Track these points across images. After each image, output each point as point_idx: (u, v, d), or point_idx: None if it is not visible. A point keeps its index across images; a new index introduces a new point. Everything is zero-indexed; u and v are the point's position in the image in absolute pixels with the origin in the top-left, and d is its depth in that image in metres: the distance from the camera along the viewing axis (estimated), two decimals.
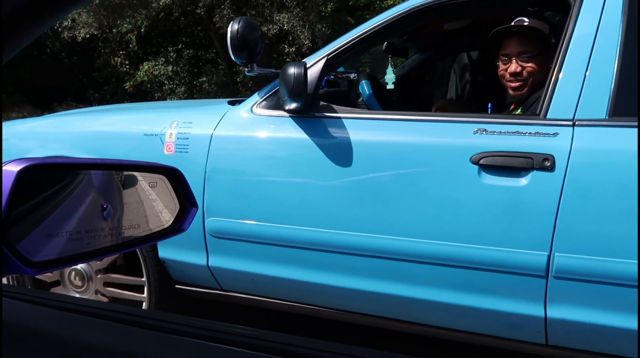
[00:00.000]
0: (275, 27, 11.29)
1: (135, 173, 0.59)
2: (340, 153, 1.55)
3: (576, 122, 1.39)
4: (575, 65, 1.43)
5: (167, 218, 0.61)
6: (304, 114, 1.60)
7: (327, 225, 1.57)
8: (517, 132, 1.43)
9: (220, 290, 1.79)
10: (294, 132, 1.59)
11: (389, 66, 2.16)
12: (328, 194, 1.58)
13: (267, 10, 11.38)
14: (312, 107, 1.60)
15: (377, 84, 2.06)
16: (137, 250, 1.74)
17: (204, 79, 11.14)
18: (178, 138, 1.66)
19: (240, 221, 1.65)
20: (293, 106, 1.54)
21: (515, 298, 1.44)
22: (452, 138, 1.48)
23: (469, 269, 1.47)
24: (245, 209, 1.66)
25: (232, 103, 1.78)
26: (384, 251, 1.53)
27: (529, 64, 1.63)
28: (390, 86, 2.20)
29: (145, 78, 10.65)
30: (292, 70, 1.45)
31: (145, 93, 10.77)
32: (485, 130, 1.45)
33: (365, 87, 1.84)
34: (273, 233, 1.63)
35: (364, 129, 1.58)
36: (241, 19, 1.54)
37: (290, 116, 1.61)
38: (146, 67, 10.64)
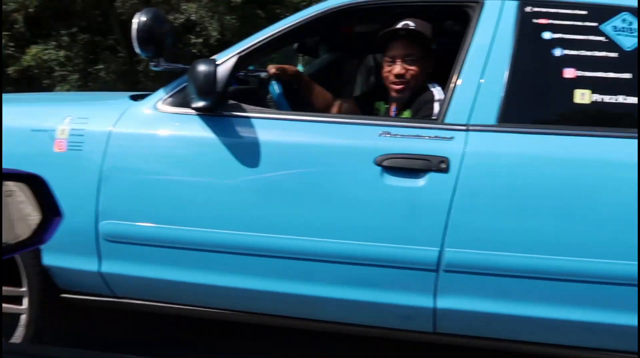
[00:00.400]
0: (182, 16, 10.86)
1: None
2: (247, 152, 1.53)
3: (469, 127, 1.49)
4: (471, 73, 1.54)
5: (25, 229, 0.56)
6: (212, 113, 1.56)
7: (231, 226, 1.55)
8: (418, 136, 1.50)
9: (113, 297, 1.68)
10: (201, 131, 1.54)
11: (299, 64, 2.17)
12: (233, 195, 1.55)
13: None
14: (221, 105, 1.56)
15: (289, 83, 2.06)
16: (15, 257, 1.58)
17: (101, 66, 10.40)
18: (71, 135, 1.53)
19: (140, 223, 1.57)
20: (201, 104, 1.49)
21: (409, 292, 1.52)
22: (358, 139, 1.53)
23: (369, 266, 1.52)
24: (145, 211, 1.58)
25: (134, 98, 1.68)
26: (288, 251, 1.54)
27: (412, 67, 1.70)
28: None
29: (33, 63, 9.70)
30: (202, 67, 1.40)
31: (31, 80, 9.82)
32: (389, 133, 1.51)
33: (275, 87, 1.83)
34: (175, 236, 1.56)
35: (272, 129, 1.57)
36: (149, 11, 1.46)
37: (197, 114, 1.56)
38: (34, 51, 9.69)
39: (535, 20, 1.58)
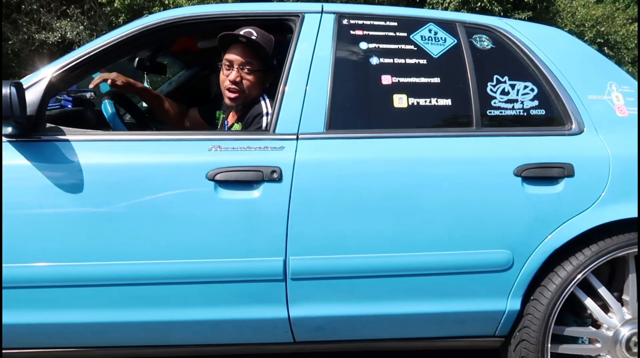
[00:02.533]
0: (56, 34, 10.21)
1: None
2: (72, 177, 1.44)
3: (299, 136, 1.53)
4: (297, 84, 1.58)
5: None
6: (27, 139, 1.45)
7: (63, 258, 1.45)
8: (249, 147, 1.51)
9: None
10: (14, 159, 1.43)
11: (145, 82, 2.10)
12: (60, 225, 1.45)
13: (44, 17, 10.22)
14: (37, 130, 1.47)
15: (128, 102, 1.99)
16: None
17: None
18: None
19: None
20: (7, 130, 1.38)
21: (261, 304, 1.51)
22: (188, 155, 1.50)
23: (215, 283, 1.50)
24: None
25: None
26: (129, 277, 1.47)
27: (250, 77, 1.73)
28: (145, 105, 2.14)
29: None
30: None
31: None
32: (219, 147, 1.50)
33: (107, 107, 1.76)
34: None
35: (98, 151, 1.50)
36: None
37: (8, 141, 1.44)
38: None
39: (352, 32, 1.67)
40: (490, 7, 11.62)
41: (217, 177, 1.46)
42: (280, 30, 1.83)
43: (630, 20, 14.45)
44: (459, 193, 1.51)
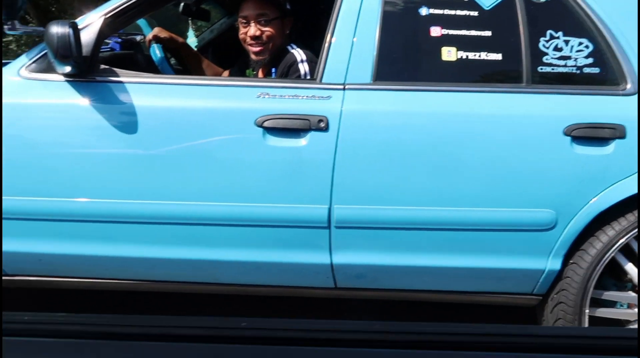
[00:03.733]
0: None
1: None
2: (126, 119, 1.49)
3: (346, 86, 1.54)
4: (344, 33, 1.57)
5: None
6: (83, 79, 1.49)
7: (117, 195, 1.52)
8: (296, 96, 1.53)
9: (4, 275, 1.62)
10: (72, 98, 1.48)
11: (190, 29, 2.11)
12: (115, 163, 1.52)
13: None
14: (91, 70, 1.50)
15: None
16: None
17: (10, 38, 9.55)
18: None
19: (19, 198, 1.50)
20: (65, 69, 1.42)
21: (305, 250, 1.57)
22: (237, 101, 1.53)
23: (261, 227, 1.56)
24: (24, 185, 1.51)
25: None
26: (178, 217, 1.54)
27: (267, 28, 1.72)
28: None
29: None
30: (55, 30, 1.33)
31: None
32: (268, 94, 1.52)
33: (156, 51, 1.78)
34: (57, 209, 1.52)
35: (150, 94, 1.53)
36: None
37: (66, 81, 1.49)
38: None
39: None
40: None
41: (266, 124, 1.48)
42: None
43: None
44: (506, 149, 1.51)
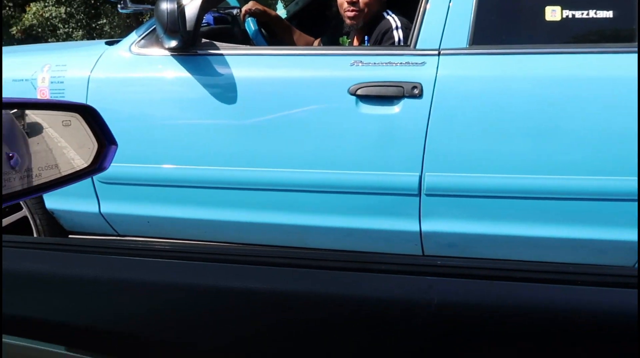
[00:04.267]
0: None
1: (46, 112, 0.57)
2: (225, 90, 1.57)
3: (441, 52, 1.50)
4: (440, 4, 1.52)
5: (85, 157, 0.59)
6: (186, 52, 1.58)
7: (218, 163, 1.61)
8: (390, 63, 1.52)
9: (116, 236, 1.80)
10: (176, 71, 1.58)
11: (278, 1, 2.15)
12: (216, 132, 1.61)
13: None
14: (194, 44, 1.59)
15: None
16: (22, 204, 1.68)
17: (104, 21, 10.26)
18: (52, 82, 1.59)
19: (129, 165, 1.64)
20: (172, 43, 1.51)
21: (394, 217, 1.58)
22: (331, 70, 1.55)
23: (352, 194, 1.58)
24: (133, 152, 1.64)
25: (109, 44, 1.72)
26: (273, 183, 1.60)
27: None
28: None
29: (35, 21, 9.63)
30: (165, 6, 1.42)
31: (37, 38, 9.79)
32: (361, 62, 1.52)
33: (250, 24, 1.84)
34: (164, 175, 1.64)
35: (247, 65, 1.60)
36: None
37: (171, 55, 1.59)
38: (34, 9, 9.60)
39: None
40: None
41: (359, 92, 1.49)
42: None
43: None
44: (612, 115, 1.40)
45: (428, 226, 1.57)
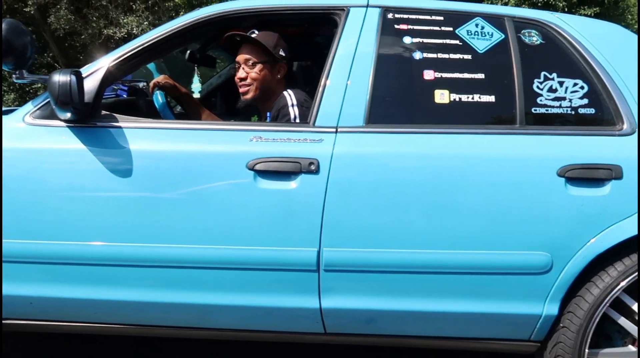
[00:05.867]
0: (122, 30, 10.69)
1: None
2: (124, 163, 1.53)
3: (338, 129, 1.56)
4: (338, 77, 1.60)
5: None
6: (84, 124, 1.56)
7: (112, 238, 1.54)
8: (289, 139, 1.55)
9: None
10: (72, 143, 1.54)
11: (195, 75, 2.19)
12: (112, 207, 1.54)
13: (112, 13, 10.72)
14: (93, 116, 1.57)
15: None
16: None
17: (39, 85, 10.09)
18: None
19: (11, 240, 1.54)
20: (67, 115, 1.48)
21: (294, 294, 1.55)
22: (230, 145, 1.56)
23: (252, 270, 1.55)
24: (19, 227, 1.54)
25: (7, 112, 1.66)
26: (171, 260, 1.54)
27: (254, 70, 1.84)
28: (196, 95, 2.23)
29: None
30: (57, 78, 1.40)
31: None
32: (260, 137, 1.55)
33: (159, 97, 1.85)
34: (51, 251, 1.54)
35: (148, 138, 1.58)
36: (5, 22, 1.45)
37: (67, 126, 1.55)
38: None
39: (396, 26, 1.67)
40: (553, 2, 11.12)
41: (257, 167, 1.50)
42: (326, 23, 1.85)
43: None
44: (499, 191, 1.48)
45: (328, 302, 1.54)
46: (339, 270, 1.53)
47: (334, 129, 1.56)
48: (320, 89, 1.60)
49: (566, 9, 11.36)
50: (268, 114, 1.80)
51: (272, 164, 1.51)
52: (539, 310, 1.50)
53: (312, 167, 1.50)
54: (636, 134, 1.52)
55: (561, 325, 1.52)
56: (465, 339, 1.60)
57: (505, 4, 11.11)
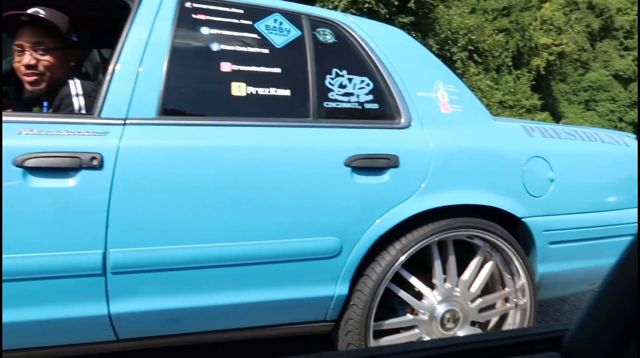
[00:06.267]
0: None
1: None
2: None
3: (127, 121, 1.44)
4: (129, 66, 1.48)
5: None
6: None
7: None
8: (68, 132, 1.39)
9: None
10: None
11: None
12: None
13: None
14: None
15: None
16: None
17: None
18: None
19: None
20: None
21: (80, 301, 1.40)
22: None
23: (30, 280, 1.36)
24: None
25: None
26: None
27: (45, 58, 1.63)
28: None
29: None
30: None
31: None
32: (32, 130, 1.36)
33: None
34: None
35: None
36: None
37: None
38: None
39: (194, 15, 1.61)
40: (377, 9, 12.14)
41: (27, 163, 1.32)
42: (119, 8, 1.71)
43: (496, 32, 15.98)
44: (292, 182, 1.53)
45: (118, 307, 1.43)
46: (129, 272, 1.42)
47: (122, 121, 1.44)
48: (108, 77, 1.47)
49: (387, 16, 12.50)
50: (45, 104, 1.60)
51: (45, 160, 1.34)
52: (332, 292, 1.60)
53: (95, 162, 1.37)
54: (412, 128, 1.70)
55: (351, 303, 1.64)
56: (264, 327, 1.62)
57: (335, 7, 11.80)
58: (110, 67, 1.48)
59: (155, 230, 1.42)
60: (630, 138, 2.18)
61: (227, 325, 1.59)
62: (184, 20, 1.60)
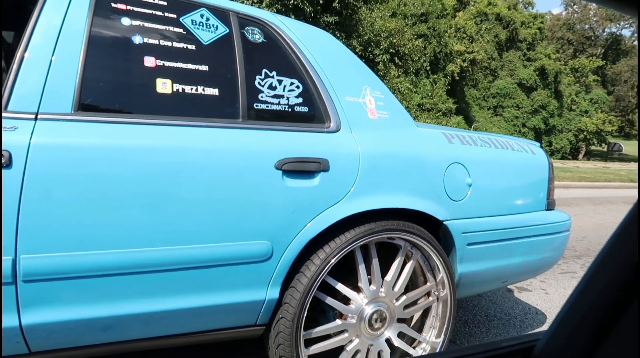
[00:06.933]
0: None
1: None
2: None
3: (39, 116, 1.33)
4: (40, 55, 1.36)
5: None
6: None
7: None
8: None
9: None
10: None
11: None
12: None
13: None
14: None
15: None
16: None
17: None
18: None
19: None
20: None
21: None
22: None
23: None
24: None
25: None
26: None
27: None
28: None
29: None
30: None
31: None
32: None
33: None
34: None
35: None
36: None
37: None
38: None
39: (114, 5, 1.51)
40: (302, 6, 12.15)
41: None
42: None
43: (415, 37, 16.66)
44: (220, 184, 1.49)
45: (30, 318, 1.32)
46: (42, 279, 1.31)
47: (33, 116, 1.32)
48: (15, 65, 1.34)
49: (312, 14, 12.58)
50: None
51: None
52: (263, 296, 1.58)
53: (2, 160, 1.24)
54: (341, 132, 1.72)
55: (280, 315, 1.63)
56: (192, 334, 1.57)
57: (261, 2, 11.66)
58: (18, 54, 1.35)
59: (70, 235, 1.32)
60: (535, 146, 2.37)
61: (158, 332, 1.51)
62: (103, 8, 1.50)
